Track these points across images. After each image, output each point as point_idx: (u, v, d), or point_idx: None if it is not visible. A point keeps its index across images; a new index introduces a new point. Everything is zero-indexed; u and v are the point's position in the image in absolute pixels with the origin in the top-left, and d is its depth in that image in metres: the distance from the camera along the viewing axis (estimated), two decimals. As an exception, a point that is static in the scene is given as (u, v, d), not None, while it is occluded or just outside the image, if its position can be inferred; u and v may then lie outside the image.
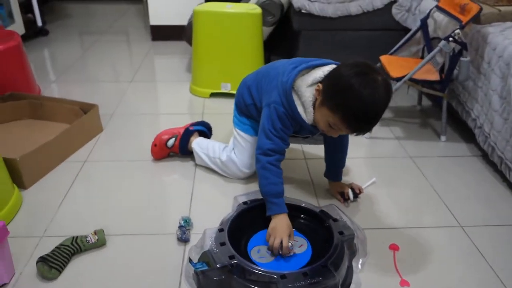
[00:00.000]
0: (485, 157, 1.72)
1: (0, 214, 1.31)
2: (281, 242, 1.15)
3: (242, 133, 1.50)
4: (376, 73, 1.10)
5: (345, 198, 1.45)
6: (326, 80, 1.17)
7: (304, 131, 1.34)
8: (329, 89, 1.14)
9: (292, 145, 1.79)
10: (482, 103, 1.67)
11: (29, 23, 3.20)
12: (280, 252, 1.15)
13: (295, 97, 1.23)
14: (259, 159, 1.27)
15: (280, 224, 1.19)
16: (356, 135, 1.20)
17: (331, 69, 1.19)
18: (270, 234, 1.18)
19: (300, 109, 1.23)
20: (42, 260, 1.14)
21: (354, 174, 1.62)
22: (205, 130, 1.72)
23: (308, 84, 1.21)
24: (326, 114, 1.15)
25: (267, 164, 1.25)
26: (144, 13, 4.03)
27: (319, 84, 1.18)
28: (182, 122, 1.75)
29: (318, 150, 1.76)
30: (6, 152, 1.45)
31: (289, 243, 1.15)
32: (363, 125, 1.14)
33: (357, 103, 1.08)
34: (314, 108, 1.21)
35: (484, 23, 1.72)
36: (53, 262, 1.14)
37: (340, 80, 1.12)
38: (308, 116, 1.23)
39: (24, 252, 1.22)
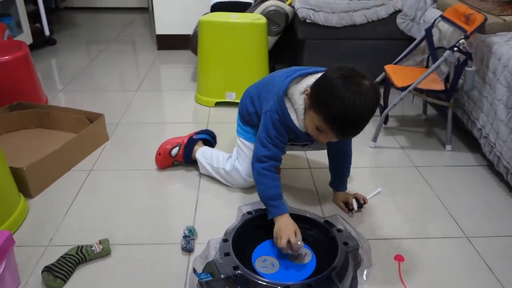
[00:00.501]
0: (491, 167, 1.71)
1: (6, 223, 1.32)
2: (289, 242, 1.14)
3: (245, 142, 1.51)
4: (362, 78, 1.11)
5: (349, 208, 1.45)
6: (314, 83, 1.20)
7: (299, 139, 1.36)
8: (315, 91, 1.17)
9: (296, 154, 1.80)
10: (487, 113, 1.67)
11: (37, 32, 3.24)
12: (290, 252, 1.15)
13: (288, 105, 1.26)
14: (254, 167, 1.30)
15: (283, 224, 1.19)
16: (343, 138, 1.21)
17: None
18: (277, 237, 1.18)
19: (293, 116, 1.25)
20: (48, 269, 1.15)
21: (359, 183, 1.62)
22: (209, 139, 1.73)
23: (301, 91, 1.24)
24: (313, 116, 1.18)
25: (262, 170, 1.27)
26: (150, 23, 4.07)
27: (308, 89, 1.20)
28: (187, 131, 1.76)
29: (323, 159, 1.76)
30: (13, 161, 1.46)
31: (298, 240, 1.15)
32: (346, 127, 1.14)
33: (338, 104, 1.09)
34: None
35: (489, 33, 1.72)
36: (58, 272, 1.15)
37: (325, 82, 1.15)
38: (301, 123, 1.25)
39: (30, 261, 1.23)
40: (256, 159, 1.29)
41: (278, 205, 1.23)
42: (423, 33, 1.98)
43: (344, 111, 1.09)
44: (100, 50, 3.30)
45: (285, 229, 1.17)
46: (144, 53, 3.27)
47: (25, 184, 1.49)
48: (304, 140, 1.37)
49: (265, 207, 1.27)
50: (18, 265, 1.17)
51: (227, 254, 1.12)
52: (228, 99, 2.27)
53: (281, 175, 1.64)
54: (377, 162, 1.80)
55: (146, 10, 4.65)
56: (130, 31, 3.92)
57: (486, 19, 1.64)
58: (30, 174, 1.49)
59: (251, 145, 1.50)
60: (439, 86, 1.80)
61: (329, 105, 1.11)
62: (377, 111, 1.96)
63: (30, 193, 1.51)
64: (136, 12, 4.61)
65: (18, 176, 1.45)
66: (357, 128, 1.15)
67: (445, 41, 1.92)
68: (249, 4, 2.72)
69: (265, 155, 1.28)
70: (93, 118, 1.87)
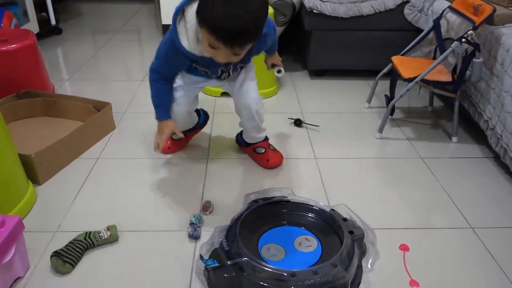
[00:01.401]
0: (497, 159, 1.71)
1: (15, 209, 1.33)
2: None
3: None
4: None
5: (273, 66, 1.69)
6: None
7: (199, 63, 1.36)
8: (199, 5, 1.16)
9: (302, 145, 1.81)
10: (494, 105, 1.66)
11: (43, 22, 3.24)
12: (158, 150, 1.47)
13: (181, 25, 1.25)
14: (148, 76, 1.44)
15: (160, 127, 1.48)
16: (237, 50, 1.17)
17: None
18: (156, 135, 1.48)
19: (183, 37, 1.25)
20: (56, 254, 1.16)
21: (364, 173, 1.62)
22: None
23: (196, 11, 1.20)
24: (203, 33, 1.17)
25: (151, 81, 1.44)
26: (156, 13, 4.06)
27: None
28: (193, 120, 1.76)
29: (329, 150, 1.76)
30: (21, 149, 1.47)
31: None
32: (231, 32, 1.11)
33: (216, 9, 1.08)
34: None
35: (497, 24, 1.71)
36: (67, 257, 1.16)
37: None
38: (192, 44, 1.25)
39: (39, 246, 1.25)
40: (149, 69, 1.42)
41: (160, 112, 1.48)
42: (431, 24, 1.97)
43: (223, 14, 1.08)
44: (106, 40, 3.30)
45: (159, 131, 1.48)
46: (150, 43, 3.27)
47: (33, 171, 1.50)
48: (204, 64, 1.36)
49: (271, 196, 1.29)
50: (27, 250, 1.19)
51: (233, 241, 1.13)
52: (234, 89, 2.26)
53: (287, 165, 1.67)
54: (383, 153, 1.80)
55: (152, 0, 4.64)
56: (136, 21, 3.92)
57: (495, 10, 1.63)
58: (38, 161, 1.51)
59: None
60: (446, 77, 1.79)
61: (210, 13, 1.10)
62: (384, 103, 1.98)
63: (38, 180, 1.53)
64: (141, 2, 4.60)
65: (26, 163, 1.47)
66: (242, 32, 1.12)
67: (453, 32, 1.91)
68: (255, -6, 2.70)
69: (153, 68, 1.41)
70: (100, 106, 1.88)
